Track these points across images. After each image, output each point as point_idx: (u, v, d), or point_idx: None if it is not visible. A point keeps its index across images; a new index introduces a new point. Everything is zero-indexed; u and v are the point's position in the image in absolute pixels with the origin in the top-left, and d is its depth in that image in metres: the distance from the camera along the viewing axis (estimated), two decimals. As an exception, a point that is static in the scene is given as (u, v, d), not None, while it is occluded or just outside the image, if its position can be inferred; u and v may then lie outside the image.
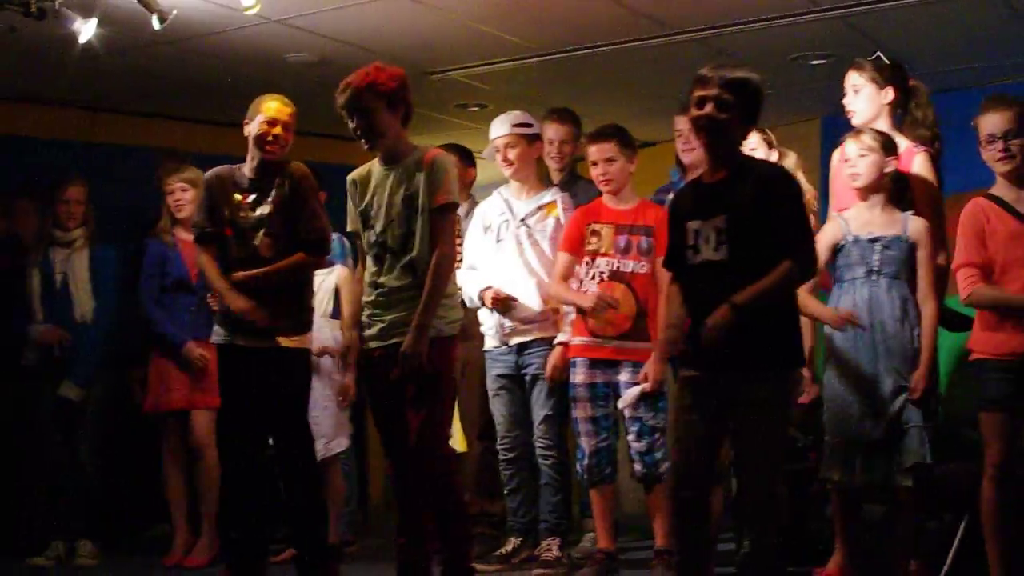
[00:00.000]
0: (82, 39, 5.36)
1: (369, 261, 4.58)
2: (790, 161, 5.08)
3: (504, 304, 5.37)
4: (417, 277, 4.41)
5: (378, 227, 4.48)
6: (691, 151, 5.23)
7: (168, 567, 5.74)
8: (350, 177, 4.63)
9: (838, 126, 5.05)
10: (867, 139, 4.64)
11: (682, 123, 5.26)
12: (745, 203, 3.85)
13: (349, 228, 4.68)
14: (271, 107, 4.86)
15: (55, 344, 5.93)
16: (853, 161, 4.65)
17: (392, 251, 4.46)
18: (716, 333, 3.77)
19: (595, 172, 5.21)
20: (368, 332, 4.53)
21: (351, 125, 4.48)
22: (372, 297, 4.53)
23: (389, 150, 4.52)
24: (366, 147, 4.53)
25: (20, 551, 5.88)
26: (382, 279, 4.49)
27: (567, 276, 5.22)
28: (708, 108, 3.89)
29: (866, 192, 4.67)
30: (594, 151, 5.20)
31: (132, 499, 6.41)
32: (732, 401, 3.85)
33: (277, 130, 4.83)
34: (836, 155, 5.01)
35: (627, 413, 5.07)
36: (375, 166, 4.58)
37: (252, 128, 4.84)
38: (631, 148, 5.23)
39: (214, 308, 5.56)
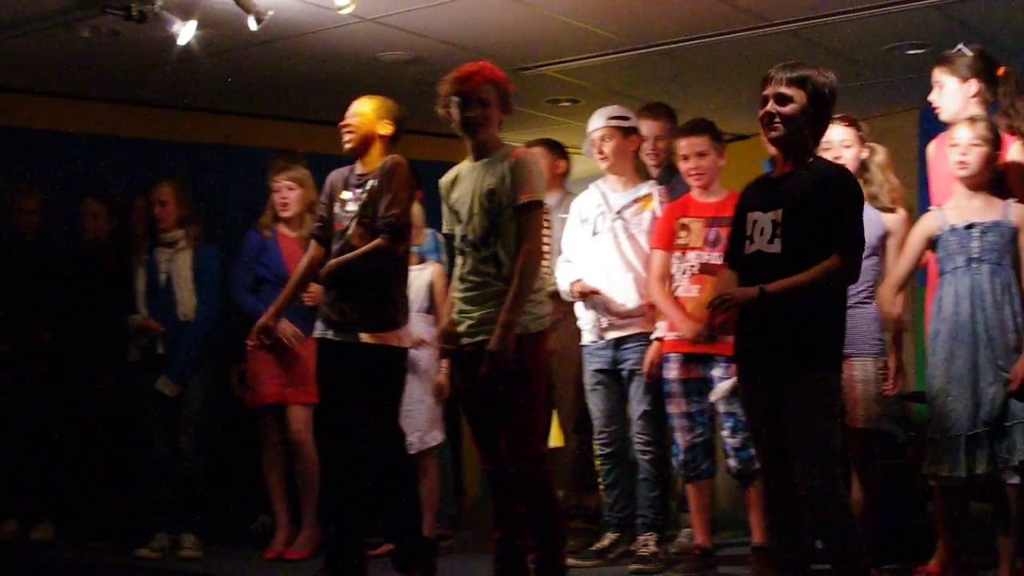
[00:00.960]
0: (181, 41, 5.44)
1: (457, 257, 4.57)
2: (879, 157, 4.99)
3: (589, 297, 5.33)
4: (500, 272, 4.39)
5: (463, 222, 4.48)
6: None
7: (269, 560, 5.78)
8: (442, 180, 4.63)
9: (936, 117, 4.93)
10: (981, 129, 4.51)
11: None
12: (803, 198, 3.86)
13: (445, 229, 4.67)
14: (350, 109, 4.92)
15: (152, 334, 5.98)
16: (963, 149, 4.53)
17: (474, 245, 4.45)
18: (728, 303, 3.85)
19: (686, 166, 5.17)
20: (457, 328, 4.52)
21: (465, 114, 4.44)
22: (459, 293, 4.52)
23: (481, 145, 4.50)
24: (468, 137, 4.49)
25: (126, 543, 5.96)
26: (467, 274, 4.48)
27: (665, 274, 5.17)
28: (771, 106, 3.92)
29: (971, 183, 4.55)
30: (685, 145, 5.16)
31: (235, 492, 6.48)
32: (776, 396, 3.85)
33: (346, 119, 4.88)
34: (932, 147, 4.90)
35: (721, 408, 5.02)
36: (464, 164, 4.58)
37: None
38: (721, 142, 5.22)
39: (307, 303, 5.61)
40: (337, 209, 4.92)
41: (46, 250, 6.53)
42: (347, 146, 4.89)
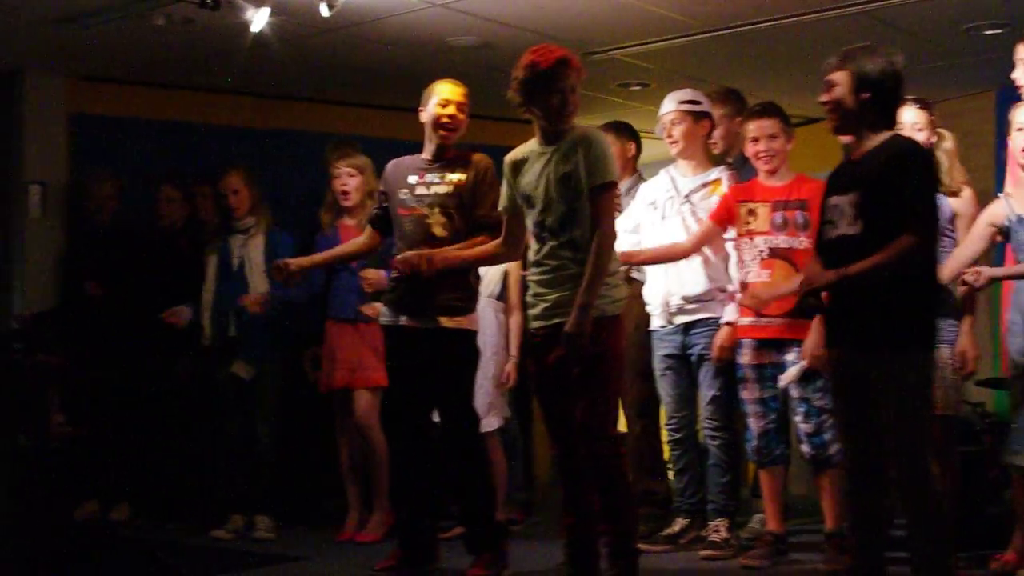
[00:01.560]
0: (254, 28, 5.48)
1: (532, 242, 4.54)
2: (947, 144, 4.94)
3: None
4: (578, 256, 4.33)
5: (538, 207, 4.42)
6: None
7: (341, 542, 5.83)
8: (507, 159, 4.58)
9: (1014, 98, 4.84)
10: None
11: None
12: (876, 178, 3.86)
13: (500, 207, 4.61)
14: (443, 89, 4.93)
15: (179, 324, 6.07)
16: None
17: (552, 231, 4.40)
18: (809, 285, 3.91)
19: (756, 148, 5.12)
20: (531, 312, 4.50)
21: (551, 101, 4.35)
22: (534, 277, 4.49)
23: (552, 130, 4.44)
24: (555, 124, 4.42)
25: (202, 524, 6.05)
26: (544, 259, 4.44)
27: (702, 242, 5.19)
28: (834, 92, 3.94)
29: None
30: (756, 127, 5.12)
31: (308, 475, 6.53)
32: (868, 379, 3.82)
33: (451, 110, 4.90)
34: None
35: (794, 394, 4.98)
36: (533, 146, 4.51)
37: (428, 112, 4.92)
38: (790, 126, 5.18)
39: (366, 289, 5.63)
40: (404, 195, 4.94)
41: (122, 236, 6.62)
42: (453, 137, 4.92)
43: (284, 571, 5.33)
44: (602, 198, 4.34)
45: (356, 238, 5.30)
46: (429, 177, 4.92)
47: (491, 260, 4.96)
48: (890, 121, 4.01)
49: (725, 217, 5.17)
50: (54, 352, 6.47)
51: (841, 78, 3.94)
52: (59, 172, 6.95)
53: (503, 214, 4.60)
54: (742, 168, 5.49)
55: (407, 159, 5.06)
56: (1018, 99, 4.75)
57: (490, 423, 5.81)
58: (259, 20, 5.44)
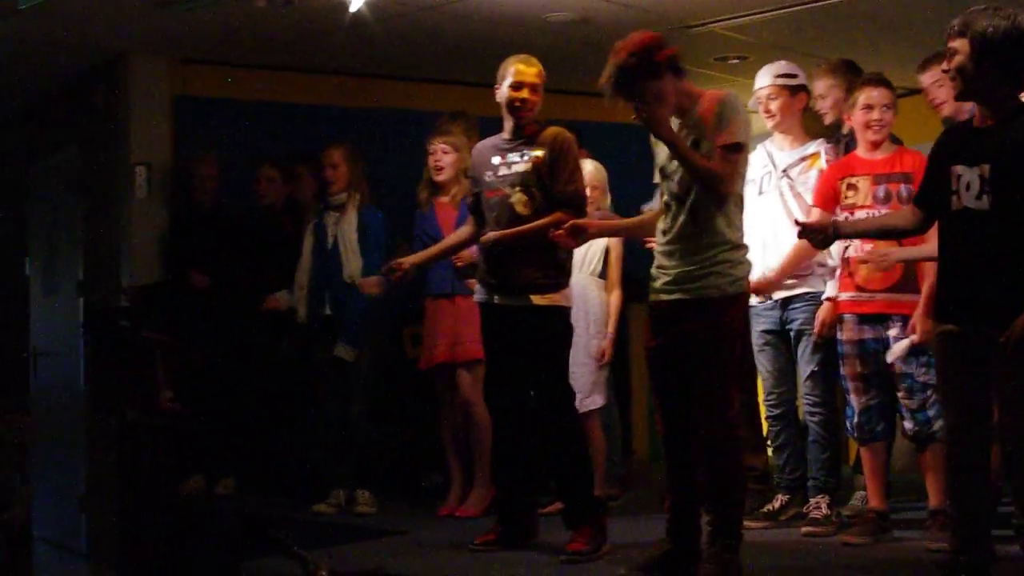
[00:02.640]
0: (352, 8, 5.54)
1: (664, 212, 4.44)
2: None
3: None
4: (698, 224, 4.27)
5: (669, 176, 4.36)
6: (942, 105, 5.07)
7: (441, 517, 5.89)
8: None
9: None
10: None
11: (924, 80, 5.16)
12: (1012, 152, 3.73)
13: (655, 180, 4.56)
14: (517, 69, 4.93)
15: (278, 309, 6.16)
16: None
17: (676, 196, 4.33)
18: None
19: (868, 117, 5.00)
20: (653, 284, 4.44)
21: (658, 83, 4.24)
22: (659, 248, 4.43)
23: (676, 107, 4.35)
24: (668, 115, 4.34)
25: (304, 499, 6.16)
26: (669, 228, 4.37)
27: None
28: (955, 60, 3.82)
29: None
30: (870, 96, 5.00)
31: (409, 450, 6.61)
32: (989, 357, 3.74)
33: (523, 93, 4.91)
34: None
35: (897, 369, 4.91)
36: (672, 119, 4.42)
37: (501, 93, 4.94)
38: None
39: (457, 264, 5.67)
40: (489, 176, 4.97)
41: (224, 215, 6.75)
42: (528, 117, 4.92)
43: (385, 545, 5.39)
44: (726, 158, 4.20)
45: (460, 229, 5.33)
46: (510, 156, 4.94)
47: (647, 230, 4.75)
48: (1018, 85, 3.87)
49: (831, 197, 5.09)
50: (160, 329, 6.61)
51: (961, 45, 3.81)
52: (163, 153, 7.09)
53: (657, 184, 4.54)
54: (846, 140, 5.41)
55: (489, 141, 5.09)
56: None
57: (594, 401, 5.84)
58: (357, 0, 5.49)
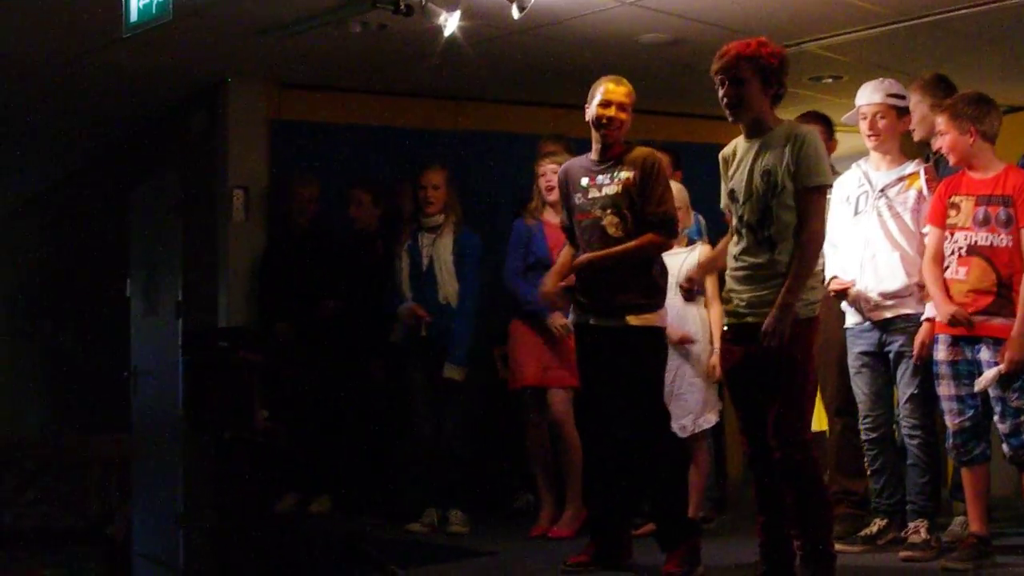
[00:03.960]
0: (447, 32, 5.59)
1: (735, 237, 4.49)
2: None
3: (846, 292, 5.23)
4: (775, 254, 4.30)
5: (740, 201, 4.40)
6: None
7: (534, 538, 5.87)
8: (721, 154, 4.57)
9: None
10: None
11: None
12: None
13: (722, 205, 4.58)
14: (606, 88, 4.94)
15: (414, 321, 6.13)
16: None
17: (750, 227, 4.37)
18: None
19: (936, 144, 5.01)
20: (727, 308, 4.48)
21: (720, 92, 4.40)
22: (732, 273, 4.46)
23: (753, 124, 4.42)
24: (730, 117, 4.45)
25: (398, 518, 6.19)
26: (742, 255, 4.41)
27: (938, 253, 4.99)
28: None
29: None
30: (939, 123, 4.98)
31: (500, 471, 6.62)
32: None
33: (611, 111, 4.90)
34: None
35: (992, 393, 4.82)
36: (740, 141, 4.49)
37: (590, 112, 4.96)
38: (966, 118, 4.89)
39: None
40: (579, 199, 4.97)
41: (321, 237, 6.83)
42: (615, 136, 4.93)
43: (477, 565, 5.41)
44: (812, 200, 4.29)
45: (563, 252, 5.31)
46: (600, 179, 4.93)
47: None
48: None
49: (944, 215, 5.00)
50: (256, 350, 6.71)
51: None
52: (260, 177, 7.22)
53: (723, 209, 4.57)
54: (943, 159, 5.34)
55: (577, 161, 5.10)
56: None
57: (707, 420, 5.80)
58: (451, 24, 5.55)
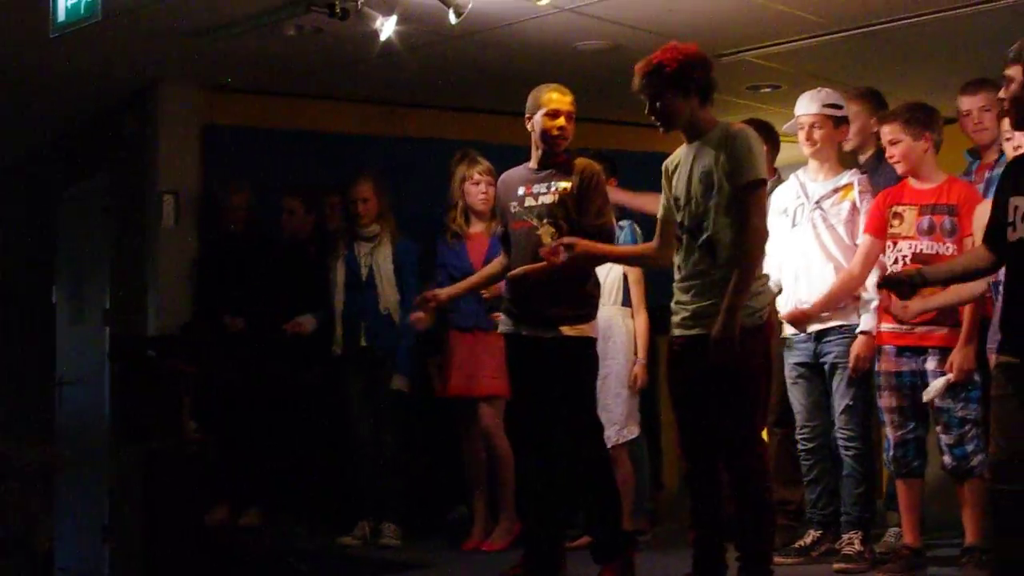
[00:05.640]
0: (383, 37, 5.57)
1: (677, 244, 4.49)
2: None
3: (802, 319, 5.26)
4: (716, 259, 4.30)
5: (682, 207, 4.41)
6: (983, 131, 5.09)
7: (467, 551, 5.87)
8: (665, 163, 4.58)
9: None
10: None
11: (968, 103, 5.16)
12: None
13: (659, 214, 4.58)
14: (552, 98, 4.92)
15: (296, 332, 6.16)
16: None
17: (690, 231, 4.37)
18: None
19: (886, 153, 5.06)
20: (672, 319, 4.47)
21: (647, 105, 4.43)
22: (677, 283, 4.45)
23: (688, 129, 4.44)
24: (661, 130, 4.48)
25: (330, 530, 6.16)
26: (684, 263, 4.41)
27: (870, 259, 5.05)
28: (1011, 88, 3.78)
29: None
30: (885, 132, 5.05)
31: (434, 483, 6.60)
32: None
33: (560, 122, 4.91)
34: None
35: (936, 403, 4.87)
36: (682, 148, 4.50)
37: (536, 123, 4.94)
38: (920, 125, 4.98)
39: (484, 296, 5.66)
40: (515, 207, 4.97)
41: (253, 245, 6.78)
42: (563, 146, 4.93)
43: (410, 578, 5.40)
44: (749, 196, 4.28)
45: (492, 262, 5.31)
46: (537, 188, 4.93)
47: (642, 261, 5.04)
48: None
49: (881, 225, 5.06)
50: (186, 359, 6.64)
51: (1016, 72, 3.77)
52: (192, 182, 7.16)
53: (660, 220, 4.57)
54: (875, 170, 5.40)
55: (515, 171, 5.09)
56: None
57: (630, 431, 5.83)
58: (387, 28, 5.53)
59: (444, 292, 5.34)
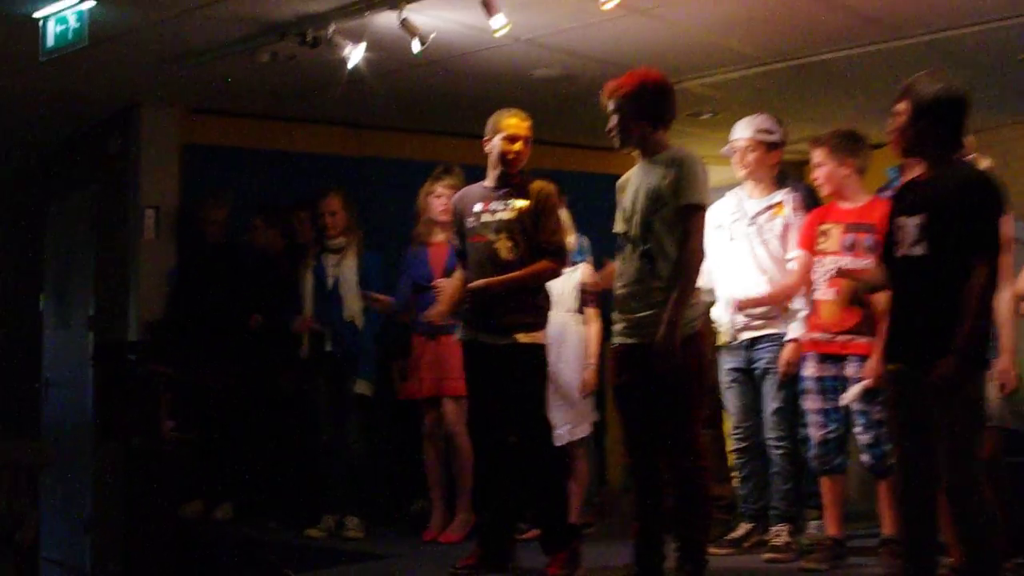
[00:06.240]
0: (351, 63, 5.60)
1: (620, 254, 4.57)
2: (984, 165, 4.88)
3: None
4: (655, 270, 4.37)
5: (629, 219, 4.49)
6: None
7: (426, 542, 5.90)
8: (619, 180, 4.65)
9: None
10: None
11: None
12: (944, 203, 3.84)
13: (615, 229, 4.62)
14: (511, 123, 4.98)
15: (315, 332, 6.16)
16: None
17: (633, 241, 4.45)
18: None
19: (812, 175, 5.16)
20: (614, 327, 4.54)
21: (608, 125, 4.52)
22: (619, 291, 4.52)
23: (641, 148, 4.52)
24: (616, 145, 4.56)
25: (298, 523, 6.18)
26: (625, 270, 4.48)
27: (805, 275, 5.15)
28: (898, 121, 3.96)
29: None
30: (813, 156, 5.14)
31: (395, 479, 6.63)
32: (925, 392, 3.81)
33: (518, 146, 4.97)
34: None
35: (855, 407, 4.97)
36: (636, 166, 4.58)
37: (494, 145, 4.99)
38: (845, 151, 5.10)
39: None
40: (471, 222, 5.02)
41: (231, 256, 6.81)
42: (519, 167, 4.99)
43: (372, 568, 5.42)
44: (690, 218, 4.37)
45: (455, 275, 5.35)
46: (493, 205, 4.98)
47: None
48: (954, 145, 3.99)
49: (813, 242, 5.16)
50: (165, 363, 6.65)
51: (903, 107, 3.96)
52: (171, 198, 7.16)
53: (617, 232, 4.62)
54: (807, 191, 5.50)
55: (471, 189, 5.15)
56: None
57: (583, 430, 5.88)
58: (355, 56, 5.56)
59: (445, 311, 5.34)
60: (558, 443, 5.55)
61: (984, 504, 3.84)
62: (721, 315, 5.44)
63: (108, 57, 5.90)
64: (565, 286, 5.77)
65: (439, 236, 6.02)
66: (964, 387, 3.81)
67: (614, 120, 4.49)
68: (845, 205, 5.13)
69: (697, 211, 4.39)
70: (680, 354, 4.28)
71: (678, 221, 4.36)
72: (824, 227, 5.11)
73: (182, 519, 6.50)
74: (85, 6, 5.21)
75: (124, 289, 7.23)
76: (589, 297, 5.88)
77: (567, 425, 5.73)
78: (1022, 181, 4.49)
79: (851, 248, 5.02)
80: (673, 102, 4.54)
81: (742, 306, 5.30)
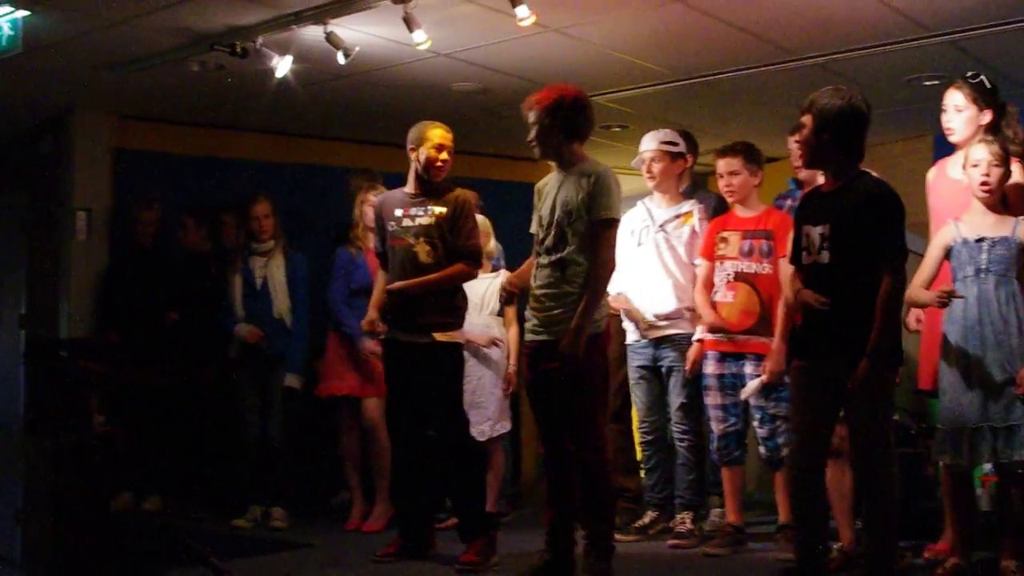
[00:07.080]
0: (279, 74, 5.53)
1: (535, 260, 4.56)
2: None
3: (624, 310, 5.37)
4: (566, 276, 4.37)
5: (544, 227, 4.47)
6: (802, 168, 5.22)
7: (348, 531, 5.86)
8: (536, 186, 4.63)
9: (947, 141, 4.86)
10: (998, 149, 4.37)
11: (792, 142, 5.28)
12: (847, 213, 3.88)
13: (531, 230, 4.60)
14: (437, 134, 4.96)
15: (256, 342, 6.07)
16: (985, 168, 4.35)
17: (548, 249, 4.44)
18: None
19: (721, 184, 5.19)
20: (526, 324, 4.54)
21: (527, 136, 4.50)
22: (533, 293, 4.51)
23: (557, 159, 4.51)
24: (536, 156, 4.55)
25: (225, 514, 6.08)
26: (538, 275, 4.47)
27: (708, 282, 5.17)
28: (802, 133, 4.01)
29: (989, 201, 4.41)
30: (721, 165, 5.17)
31: (318, 471, 6.56)
32: (839, 386, 3.86)
33: (444, 155, 4.95)
34: (932, 173, 4.82)
35: (752, 402, 5.02)
36: (553, 174, 4.56)
37: (421, 153, 4.94)
38: (755, 162, 5.18)
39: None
40: (392, 227, 4.98)
41: (161, 257, 6.69)
42: (443, 175, 4.95)
43: (297, 556, 5.35)
44: (602, 231, 4.36)
45: (379, 279, 5.26)
46: (414, 211, 4.95)
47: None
48: (856, 156, 4.01)
49: (713, 250, 5.19)
50: (96, 359, 6.50)
51: (807, 120, 3.98)
52: (103, 200, 7.01)
53: (532, 234, 4.60)
54: (704, 200, 5.55)
55: (392, 194, 5.11)
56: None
57: (503, 426, 5.87)
58: (283, 66, 5.49)
59: (374, 319, 5.19)
60: (481, 439, 5.54)
61: (895, 489, 3.90)
62: (627, 313, 5.44)
63: (42, 64, 5.77)
64: (488, 290, 5.75)
65: (373, 241, 5.94)
66: (882, 385, 3.87)
67: (533, 132, 4.46)
68: (743, 213, 5.18)
69: (609, 225, 4.39)
70: (584, 355, 4.28)
71: (590, 234, 4.36)
72: (723, 234, 5.16)
73: (111, 511, 6.34)
74: (19, 14, 5.08)
75: (56, 288, 7.06)
76: (509, 297, 5.84)
77: (489, 422, 5.71)
78: (910, 194, 4.53)
79: (749, 254, 5.07)
80: (590, 116, 4.52)
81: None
